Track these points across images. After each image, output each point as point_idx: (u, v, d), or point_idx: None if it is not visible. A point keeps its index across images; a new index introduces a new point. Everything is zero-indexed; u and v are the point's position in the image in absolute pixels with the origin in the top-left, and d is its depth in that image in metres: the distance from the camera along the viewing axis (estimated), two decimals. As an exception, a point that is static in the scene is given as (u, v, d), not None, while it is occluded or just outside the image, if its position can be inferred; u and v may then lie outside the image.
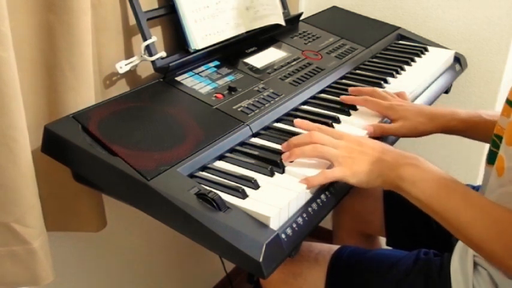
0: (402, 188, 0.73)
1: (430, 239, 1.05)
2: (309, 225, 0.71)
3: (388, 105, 0.96)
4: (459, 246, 0.84)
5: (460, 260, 0.81)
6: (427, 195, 0.71)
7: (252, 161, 0.79)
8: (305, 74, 1.08)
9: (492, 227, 0.66)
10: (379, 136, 0.92)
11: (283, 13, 1.24)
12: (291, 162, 0.79)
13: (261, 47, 1.16)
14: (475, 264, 0.80)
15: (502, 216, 0.67)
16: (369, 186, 0.76)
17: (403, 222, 1.08)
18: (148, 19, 0.94)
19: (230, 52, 1.09)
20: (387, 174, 0.74)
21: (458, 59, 1.32)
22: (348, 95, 1.02)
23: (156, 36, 0.94)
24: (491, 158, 0.79)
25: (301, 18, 1.35)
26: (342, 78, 1.13)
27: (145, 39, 0.93)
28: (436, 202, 0.70)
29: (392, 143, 0.97)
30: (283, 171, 0.78)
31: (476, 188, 1.01)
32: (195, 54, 1.01)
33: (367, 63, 1.22)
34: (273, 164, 0.78)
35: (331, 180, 0.76)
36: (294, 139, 0.80)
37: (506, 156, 0.72)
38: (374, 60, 1.25)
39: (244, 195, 0.70)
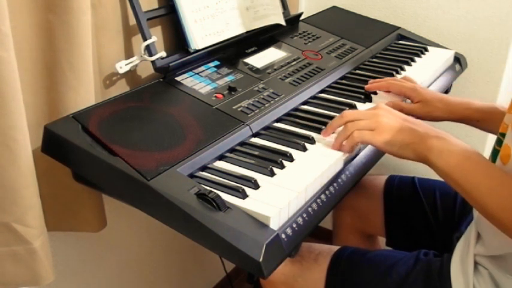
0: (429, 159, 0.75)
1: (430, 239, 1.05)
2: (309, 225, 0.71)
3: (412, 87, 1.00)
4: (460, 246, 0.84)
5: (461, 260, 0.82)
6: (451, 166, 0.73)
7: (252, 161, 0.79)
8: (305, 74, 1.08)
9: (509, 198, 0.68)
10: None
11: (283, 13, 1.24)
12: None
13: (261, 47, 1.16)
14: (476, 264, 0.80)
15: None
16: (398, 155, 0.79)
17: (402, 222, 1.08)
18: (148, 19, 0.94)
19: (230, 52, 1.09)
20: (418, 144, 0.76)
21: (458, 59, 1.32)
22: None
23: (156, 36, 0.94)
24: (495, 156, 0.79)
25: (301, 18, 1.35)
26: (342, 78, 1.13)
27: (145, 39, 0.93)
28: (459, 173, 0.72)
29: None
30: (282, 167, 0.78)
31: None
32: (195, 54, 1.01)
33: (367, 63, 1.22)
34: (273, 163, 0.78)
35: (363, 142, 0.81)
36: (330, 125, 0.85)
37: None
38: (374, 60, 1.25)
39: (244, 195, 0.70)
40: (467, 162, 0.72)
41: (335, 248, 0.93)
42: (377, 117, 0.80)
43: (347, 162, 0.84)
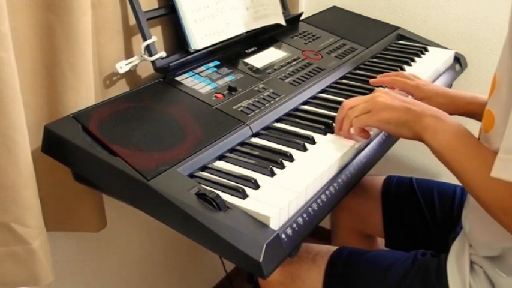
0: (424, 138, 0.76)
1: (428, 239, 1.05)
2: (309, 225, 0.71)
3: (415, 84, 1.00)
4: (455, 246, 0.84)
5: (457, 260, 0.82)
6: (443, 145, 0.74)
7: (252, 161, 0.79)
8: (305, 74, 1.08)
9: (493, 179, 0.68)
10: None
11: (283, 13, 1.24)
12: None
13: (261, 47, 1.16)
14: (472, 264, 0.80)
15: None
16: (395, 133, 0.80)
17: (400, 222, 1.08)
18: (148, 19, 0.94)
19: (230, 52, 1.09)
20: (414, 122, 0.77)
21: (458, 59, 1.32)
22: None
23: (156, 36, 0.94)
24: None
25: (301, 18, 1.35)
26: (342, 78, 1.13)
27: (145, 39, 0.93)
28: (449, 153, 0.73)
29: (393, 143, 0.98)
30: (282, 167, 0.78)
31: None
32: (195, 54, 1.01)
33: (367, 63, 1.22)
34: (273, 163, 0.78)
35: (363, 125, 0.83)
36: (336, 120, 0.88)
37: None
38: (374, 60, 1.25)
39: (244, 195, 0.70)
40: (457, 142, 0.73)
41: (333, 248, 0.93)
42: (374, 99, 0.82)
43: (352, 157, 0.85)
